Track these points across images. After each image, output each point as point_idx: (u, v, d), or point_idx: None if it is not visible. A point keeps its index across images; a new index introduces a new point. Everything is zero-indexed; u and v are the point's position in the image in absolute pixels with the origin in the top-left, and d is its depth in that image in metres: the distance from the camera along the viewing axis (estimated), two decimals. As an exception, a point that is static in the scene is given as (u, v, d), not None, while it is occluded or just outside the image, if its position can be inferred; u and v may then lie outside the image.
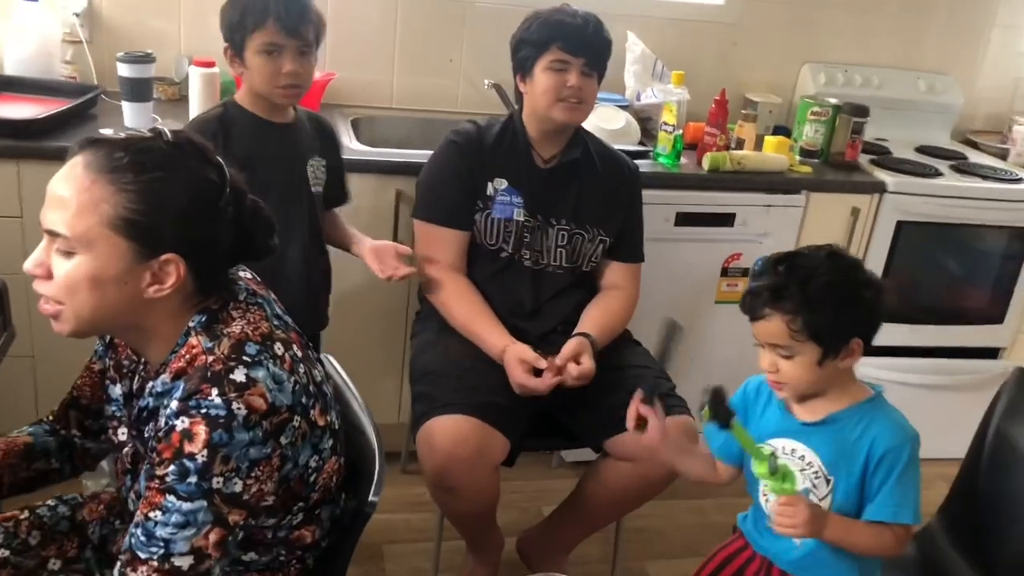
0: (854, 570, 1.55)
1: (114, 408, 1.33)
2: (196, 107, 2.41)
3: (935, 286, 3.00)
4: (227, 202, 1.15)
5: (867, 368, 2.90)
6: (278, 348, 1.18)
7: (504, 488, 2.02)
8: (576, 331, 2.05)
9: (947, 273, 2.99)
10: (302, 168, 2.03)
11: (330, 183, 2.12)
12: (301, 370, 1.19)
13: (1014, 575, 1.72)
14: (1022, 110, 3.41)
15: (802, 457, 1.52)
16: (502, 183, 2.10)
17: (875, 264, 2.81)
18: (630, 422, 1.65)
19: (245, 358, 1.13)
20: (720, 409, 1.45)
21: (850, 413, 1.50)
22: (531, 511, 2.54)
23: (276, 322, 1.23)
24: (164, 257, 1.12)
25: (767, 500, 1.57)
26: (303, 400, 1.17)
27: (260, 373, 1.12)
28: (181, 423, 1.09)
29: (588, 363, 1.96)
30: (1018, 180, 2.91)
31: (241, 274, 1.29)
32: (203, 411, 1.08)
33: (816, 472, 1.51)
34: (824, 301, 1.41)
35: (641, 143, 2.75)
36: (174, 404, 1.11)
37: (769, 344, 1.47)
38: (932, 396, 2.98)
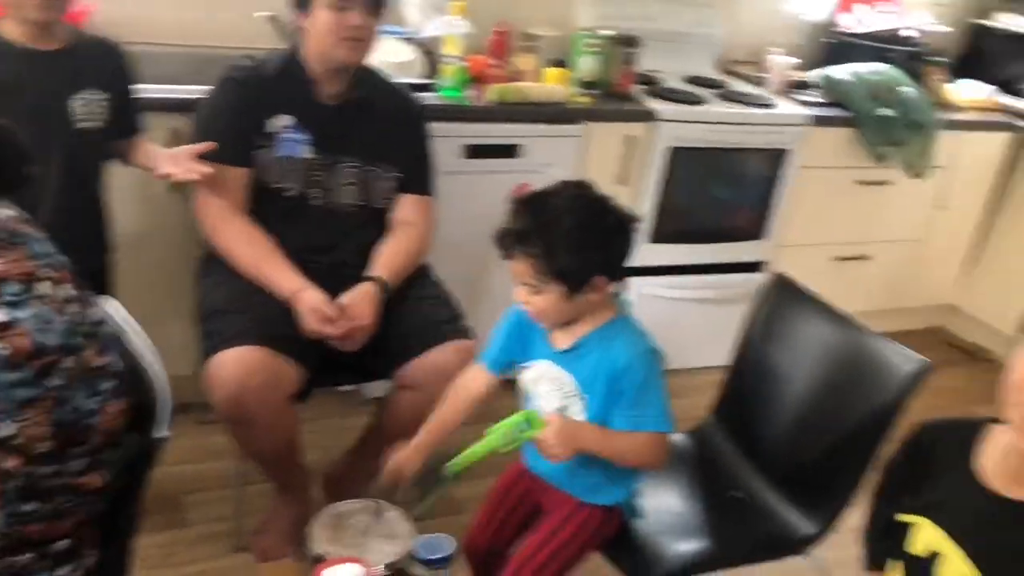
0: (607, 477, 1.66)
1: None
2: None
3: (706, 207, 3.22)
4: None
5: (648, 287, 3.10)
6: (45, 287, 1.11)
7: (309, 428, 2.02)
8: (367, 273, 2.06)
9: (716, 195, 3.22)
10: (60, 102, 1.88)
11: (117, 114, 1.98)
12: (73, 309, 1.13)
13: (774, 458, 1.93)
14: (776, 41, 3.68)
15: (560, 379, 1.62)
16: (285, 120, 2.05)
17: (650, 190, 2.98)
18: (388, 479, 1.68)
19: (7, 298, 1.06)
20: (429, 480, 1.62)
21: (594, 336, 1.59)
22: (337, 450, 2.54)
23: (43, 260, 1.16)
24: None
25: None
26: (74, 340, 1.12)
27: (23, 313, 1.06)
28: None
29: (367, 319, 1.98)
30: (773, 105, 3.16)
31: (1, 211, 1.20)
32: None
33: (570, 392, 1.61)
34: (566, 246, 1.47)
35: (427, 76, 2.75)
36: None
37: (521, 280, 1.54)
38: (705, 309, 3.23)
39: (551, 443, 1.55)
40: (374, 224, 2.17)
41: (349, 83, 2.09)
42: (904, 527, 1.26)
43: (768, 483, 1.90)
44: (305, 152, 2.06)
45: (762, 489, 1.90)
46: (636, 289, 3.08)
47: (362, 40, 2.00)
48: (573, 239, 1.47)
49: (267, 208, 2.08)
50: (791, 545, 1.80)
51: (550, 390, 1.64)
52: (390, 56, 2.66)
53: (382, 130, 2.14)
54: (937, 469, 1.27)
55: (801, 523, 1.81)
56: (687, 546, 1.74)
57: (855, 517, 1.57)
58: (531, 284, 1.51)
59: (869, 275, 3.63)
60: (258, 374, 1.84)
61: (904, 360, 1.72)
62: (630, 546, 1.71)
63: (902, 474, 1.34)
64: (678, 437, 2.06)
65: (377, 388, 2.67)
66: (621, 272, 1.58)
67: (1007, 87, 3.75)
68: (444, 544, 1.53)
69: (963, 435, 1.25)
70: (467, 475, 2.56)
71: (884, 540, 1.32)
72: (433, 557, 1.52)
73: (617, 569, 1.71)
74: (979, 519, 1.18)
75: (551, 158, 2.76)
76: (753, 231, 3.29)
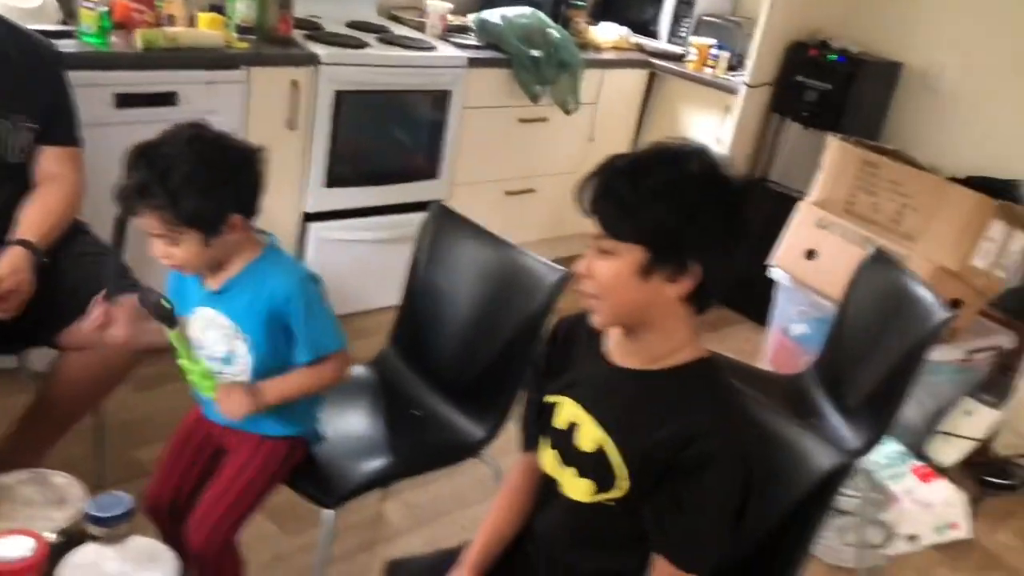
0: (290, 410, 1.70)
1: None
2: None
3: (379, 150, 3.30)
4: None
5: (327, 231, 3.14)
6: None
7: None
8: (15, 238, 1.92)
9: (388, 137, 3.31)
10: None
11: None
12: None
13: (447, 375, 2.07)
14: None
15: (220, 323, 1.63)
16: None
17: (321, 134, 3.01)
18: (92, 326, 1.64)
19: None
20: (165, 316, 1.57)
21: (245, 275, 1.61)
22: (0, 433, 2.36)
23: None
24: None
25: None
26: None
27: None
28: None
29: (21, 284, 1.85)
30: (433, 48, 3.29)
31: None
32: None
33: (232, 334, 1.63)
34: (191, 190, 1.46)
35: (63, 23, 2.56)
36: None
37: (154, 234, 1.52)
38: (386, 250, 3.32)
39: (227, 404, 1.59)
40: (12, 182, 2.01)
41: (-38, 30, 1.91)
42: (550, 407, 1.43)
43: (443, 398, 2.04)
44: (-81, 108, 1.86)
45: (438, 404, 2.04)
46: (315, 234, 3.12)
47: None
48: (197, 182, 1.47)
49: None
50: (466, 450, 1.95)
51: (215, 337, 1.64)
52: (19, 2, 2.45)
53: (10, 79, 1.97)
54: (573, 353, 1.45)
55: (474, 429, 1.97)
56: (370, 463, 1.83)
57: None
58: (165, 236, 1.50)
59: (537, 207, 3.92)
60: None
61: (549, 271, 1.91)
62: (314, 472, 1.77)
63: (546, 363, 1.51)
64: (358, 369, 2.15)
65: (40, 361, 2.50)
66: (256, 207, 1.60)
67: (639, 28, 4.17)
68: (120, 501, 1.49)
69: (592, 322, 1.44)
70: (150, 438, 2.50)
71: (536, 423, 1.48)
72: (108, 515, 1.48)
73: (304, 497, 1.76)
74: (604, 388, 1.37)
75: (213, 105, 2.69)
76: (427, 171, 3.42)
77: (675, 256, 1.24)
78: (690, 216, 1.23)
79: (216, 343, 1.64)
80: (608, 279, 1.27)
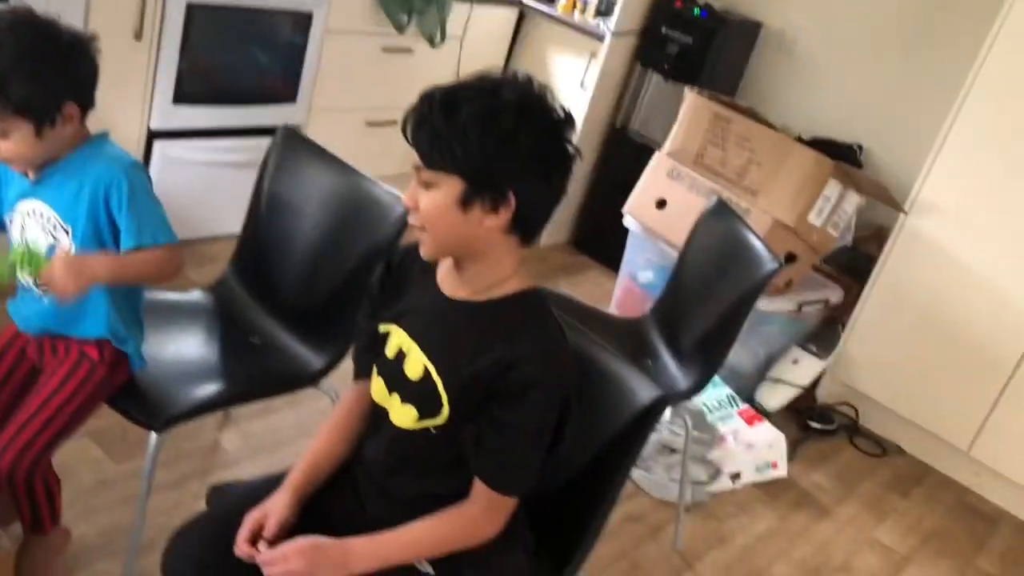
0: (105, 311, 1.63)
1: None
2: None
3: (234, 69, 3.16)
4: None
5: (175, 150, 3.00)
6: None
7: None
8: None
9: (245, 56, 3.16)
10: None
11: None
12: None
13: (289, 304, 2.03)
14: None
15: (41, 214, 1.56)
16: None
17: (171, 47, 2.85)
18: None
19: None
20: None
21: (68, 162, 1.54)
22: None
23: None
24: None
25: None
26: None
27: None
28: None
29: None
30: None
31: None
32: None
33: (55, 225, 1.56)
34: (17, 76, 1.39)
35: None
36: None
37: None
38: (239, 173, 3.19)
39: (58, 278, 1.48)
40: None
41: None
42: (382, 336, 1.43)
43: (283, 326, 2.01)
44: None
45: (278, 332, 2.00)
46: (160, 152, 2.98)
47: None
48: (24, 67, 1.39)
49: None
50: (304, 379, 1.93)
51: (36, 229, 1.57)
52: None
53: None
54: (407, 283, 1.45)
55: (313, 359, 1.94)
56: (201, 388, 1.78)
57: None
58: None
59: (399, 139, 3.76)
60: None
61: (396, 202, 1.89)
62: (141, 394, 1.71)
63: (381, 292, 1.50)
64: (196, 293, 2.08)
65: None
66: (91, 96, 1.51)
67: (513, -34, 4.13)
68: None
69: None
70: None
71: (368, 352, 1.47)
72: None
73: (129, 420, 1.70)
74: (433, 318, 1.38)
75: (48, 7, 2.47)
76: (285, 95, 3.31)
77: (491, 186, 1.24)
78: (503, 145, 1.23)
79: (37, 235, 1.56)
80: (430, 211, 1.27)
